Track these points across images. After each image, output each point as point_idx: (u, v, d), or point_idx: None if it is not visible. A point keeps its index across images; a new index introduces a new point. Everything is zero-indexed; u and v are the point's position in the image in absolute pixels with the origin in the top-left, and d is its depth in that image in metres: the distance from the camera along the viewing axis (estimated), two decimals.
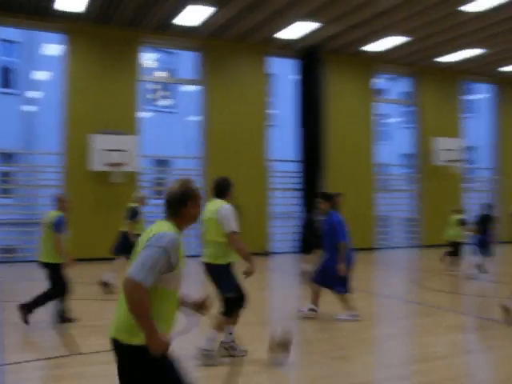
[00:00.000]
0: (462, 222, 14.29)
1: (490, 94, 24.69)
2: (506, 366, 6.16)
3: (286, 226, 19.54)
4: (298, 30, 16.96)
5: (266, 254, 18.24)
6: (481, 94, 33.39)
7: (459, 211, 14.91)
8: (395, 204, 21.82)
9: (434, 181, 21.69)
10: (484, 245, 13.52)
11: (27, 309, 7.98)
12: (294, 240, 18.36)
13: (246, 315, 6.80)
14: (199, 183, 17.41)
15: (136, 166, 16.63)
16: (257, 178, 18.65)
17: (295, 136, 19.28)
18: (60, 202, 8.34)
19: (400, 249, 21.35)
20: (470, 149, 30.90)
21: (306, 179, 18.74)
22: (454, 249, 14.31)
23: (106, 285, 10.89)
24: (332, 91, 19.77)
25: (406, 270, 16.10)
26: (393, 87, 37.20)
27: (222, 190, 6.35)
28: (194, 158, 18.78)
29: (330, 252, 8.66)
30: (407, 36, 17.65)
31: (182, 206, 3.34)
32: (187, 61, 21.91)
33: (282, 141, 23.26)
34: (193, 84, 20.22)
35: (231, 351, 6.36)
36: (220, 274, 6.16)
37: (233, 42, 18.32)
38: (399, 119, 39.84)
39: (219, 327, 6.19)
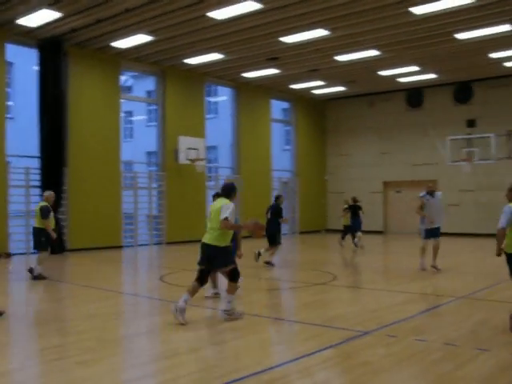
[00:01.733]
0: None
1: (231, 97, 26.07)
2: (251, 353, 6.50)
3: (27, 225, 18.37)
4: (40, 18, 16.04)
5: (7, 255, 16.97)
6: (223, 96, 35.10)
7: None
8: (140, 202, 21.89)
9: (178, 179, 22.21)
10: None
11: None
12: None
13: None
14: None
15: None
16: None
17: (36, 131, 18.27)
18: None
19: (145, 246, 21.49)
20: (211, 148, 32.31)
21: (47, 176, 17.89)
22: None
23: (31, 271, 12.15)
24: (76, 85, 19.13)
25: (152, 268, 16.24)
26: (139, 85, 37.32)
27: (228, 191, 8.34)
28: None
29: None
30: (154, 35, 17.79)
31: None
32: None
33: (23, 135, 21.87)
34: None
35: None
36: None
37: None
38: (145, 117, 40.09)
39: (232, 291, 8.19)
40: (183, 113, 22.67)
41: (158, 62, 21.33)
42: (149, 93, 34.09)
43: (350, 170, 28.90)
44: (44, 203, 12.26)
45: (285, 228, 28.04)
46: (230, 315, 8.07)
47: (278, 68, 22.44)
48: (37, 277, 12.13)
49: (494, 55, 20.61)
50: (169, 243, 21.64)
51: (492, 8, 15.69)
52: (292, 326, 8.10)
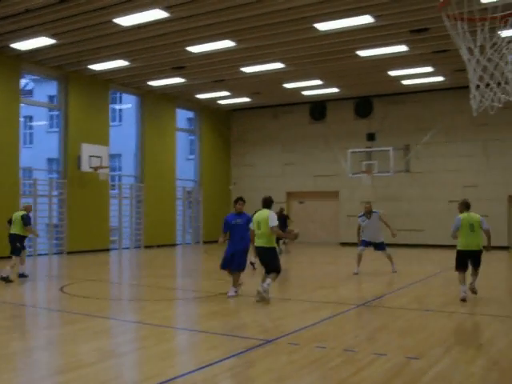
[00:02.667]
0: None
1: (136, 105, 25.75)
2: (152, 363, 6.43)
3: None
4: None
5: None
6: (128, 104, 34.60)
7: None
8: (40, 210, 21.14)
9: (80, 187, 21.65)
10: None
11: None
12: None
13: None
14: None
15: None
16: None
17: None
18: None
19: (45, 256, 20.76)
20: (115, 156, 31.77)
21: None
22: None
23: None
24: None
25: (51, 278, 15.72)
26: (41, 89, 36.08)
27: (268, 203, 10.86)
28: None
29: None
30: (57, 39, 17.31)
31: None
32: None
33: None
34: None
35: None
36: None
37: None
38: (46, 123, 38.79)
39: (274, 279, 10.63)
40: (86, 119, 22.14)
41: (60, 66, 20.75)
42: (51, 98, 33.07)
43: (253, 180, 29.22)
44: (24, 212, 13.83)
45: (188, 238, 28.02)
46: (267, 295, 10.30)
47: (183, 77, 22.42)
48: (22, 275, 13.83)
49: (393, 73, 21.57)
50: (70, 253, 21.03)
51: (390, 29, 16.47)
52: (196, 336, 8.08)
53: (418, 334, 7.79)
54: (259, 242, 10.56)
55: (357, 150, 24.70)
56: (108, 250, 23.10)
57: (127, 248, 24.34)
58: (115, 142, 24.84)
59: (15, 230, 13.65)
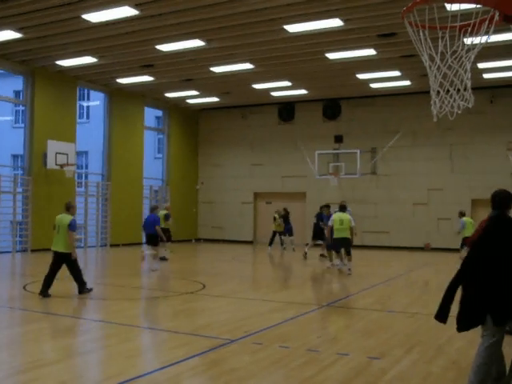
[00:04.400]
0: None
1: (103, 102, 25.52)
2: (115, 362, 6.40)
3: None
4: None
5: None
6: (95, 101, 34.28)
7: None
8: (4, 207, 20.82)
9: (45, 184, 21.37)
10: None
11: None
12: None
13: None
14: None
15: None
16: None
17: None
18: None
19: (8, 253, 20.45)
20: (82, 154, 31.46)
21: None
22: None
23: None
24: None
25: (14, 276, 15.51)
26: (6, 84, 35.45)
27: (344, 207, 15.35)
28: None
29: None
30: (22, 33, 17.04)
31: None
32: None
33: None
34: None
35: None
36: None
37: None
38: (11, 118, 38.15)
39: (351, 260, 14.89)
40: (53, 116, 21.86)
41: (27, 61, 20.46)
42: (16, 93, 32.54)
43: (221, 180, 29.21)
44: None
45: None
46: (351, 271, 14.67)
47: (152, 75, 22.30)
48: None
49: (361, 76, 21.78)
50: (34, 250, 20.74)
51: (359, 33, 16.64)
52: (160, 335, 8.07)
53: (381, 335, 7.90)
54: (343, 234, 14.81)
55: (324, 151, 24.86)
56: None
57: (93, 246, 24.10)
58: (82, 140, 24.61)
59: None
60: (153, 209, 16.58)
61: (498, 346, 4.94)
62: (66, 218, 10.96)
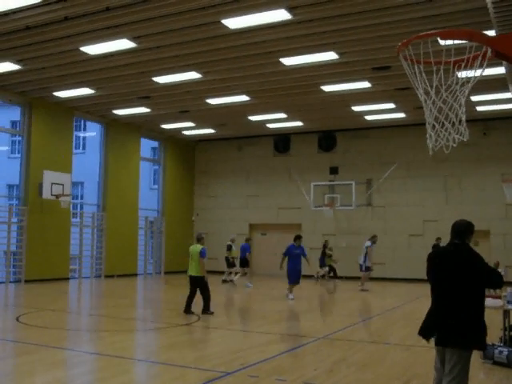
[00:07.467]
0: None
1: (100, 133, 25.63)
2: None
3: None
4: None
5: None
6: (92, 132, 34.39)
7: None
8: None
9: (40, 214, 21.32)
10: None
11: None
12: None
13: None
14: None
15: None
16: None
17: None
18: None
19: (1, 284, 20.29)
20: (78, 184, 31.46)
21: None
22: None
23: None
24: None
25: (8, 307, 15.37)
26: (3, 114, 35.59)
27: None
28: None
29: None
30: (21, 64, 17.22)
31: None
32: None
33: None
34: None
35: None
36: None
37: None
38: (7, 148, 38.20)
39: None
40: (49, 146, 21.92)
41: (24, 92, 20.60)
42: (13, 123, 32.64)
43: (217, 211, 29.21)
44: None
45: (150, 268, 27.79)
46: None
47: (148, 107, 22.45)
48: None
49: (356, 108, 21.99)
50: (28, 281, 20.58)
51: (354, 66, 16.86)
52: (155, 368, 7.99)
53: (377, 368, 7.85)
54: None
55: (320, 183, 24.96)
56: (67, 278, 22.71)
57: (87, 277, 23.96)
58: (78, 170, 24.62)
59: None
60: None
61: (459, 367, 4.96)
62: (197, 248, 12.98)
